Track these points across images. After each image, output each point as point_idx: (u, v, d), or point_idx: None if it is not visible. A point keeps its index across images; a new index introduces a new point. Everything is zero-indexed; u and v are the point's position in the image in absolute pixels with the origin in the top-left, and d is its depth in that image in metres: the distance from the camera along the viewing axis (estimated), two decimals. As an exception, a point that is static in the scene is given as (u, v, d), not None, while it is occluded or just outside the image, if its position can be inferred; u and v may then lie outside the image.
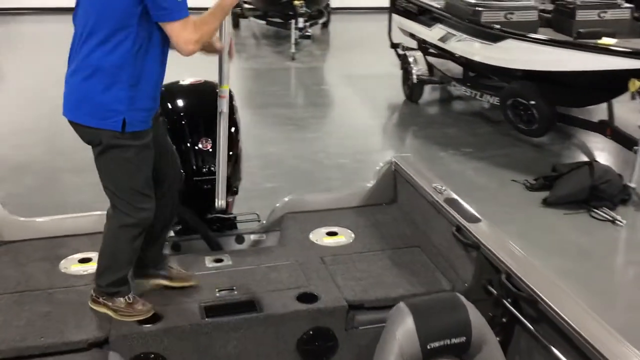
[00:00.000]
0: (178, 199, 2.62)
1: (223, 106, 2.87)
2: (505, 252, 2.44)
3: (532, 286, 2.21)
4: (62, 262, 2.76)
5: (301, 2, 9.18)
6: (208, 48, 2.61)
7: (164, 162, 2.48)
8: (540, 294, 2.17)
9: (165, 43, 2.27)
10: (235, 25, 11.03)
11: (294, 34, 9.26)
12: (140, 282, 2.54)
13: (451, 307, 2.09)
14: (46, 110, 5.82)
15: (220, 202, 2.97)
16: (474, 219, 2.69)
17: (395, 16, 7.74)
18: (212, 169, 3.02)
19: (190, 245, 3.06)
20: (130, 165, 2.28)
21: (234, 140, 3.09)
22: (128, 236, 2.35)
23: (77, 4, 2.27)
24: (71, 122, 2.30)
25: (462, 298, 2.14)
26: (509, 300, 2.34)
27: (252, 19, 10.68)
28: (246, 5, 10.75)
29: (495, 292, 2.44)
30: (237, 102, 3.26)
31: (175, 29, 2.17)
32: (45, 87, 5.95)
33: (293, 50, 9.24)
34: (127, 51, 2.17)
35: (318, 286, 2.60)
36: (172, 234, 3.12)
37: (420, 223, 3.09)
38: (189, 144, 3.07)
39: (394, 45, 7.67)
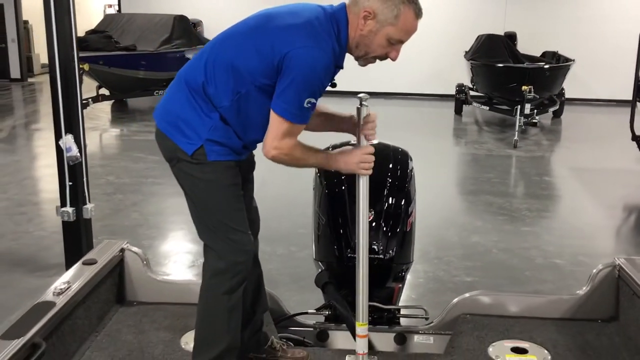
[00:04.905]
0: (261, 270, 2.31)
1: None
2: None
3: None
4: (186, 335, 2.42)
5: (530, 87, 8.65)
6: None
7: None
8: None
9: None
10: (458, 111, 10.84)
11: (519, 121, 8.73)
12: None
13: None
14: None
15: None
16: None
17: (640, 105, 6.97)
18: (374, 246, 2.47)
19: (337, 337, 2.52)
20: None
21: (402, 215, 2.52)
22: (221, 289, 2.01)
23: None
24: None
25: None
26: None
27: (475, 104, 10.37)
28: (471, 92, 10.56)
29: None
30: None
31: (275, 124, 1.97)
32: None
33: (516, 137, 8.62)
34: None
35: None
36: (322, 319, 2.64)
37: (652, 355, 2.22)
38: (347, 215, 2.53)
39: (637, 138, 6.88)
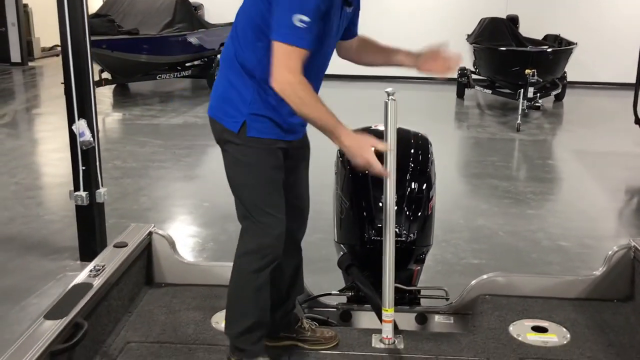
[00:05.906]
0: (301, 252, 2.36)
1: None
2: None
3: None
4: (216, 315, 2.49)
5: (533, 70, 8.65)
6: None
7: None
8: None
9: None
10: (460, 95, 10.85)
11: (522, 104, 8.74)
12: (272, 344, 2.24)
13: None
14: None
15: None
16: None
17: (643, 89, 6.94)
18: (397, 229, 2.53)
19: (360, 317, 2.59)
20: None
21: (423, 198, 2.58)
22: (249, 268, 2.07)
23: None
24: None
25: None
26: None
27: (477, 88, 10.38)
28: (473, 76, 10.56)
29: None
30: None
31: (278, 51, 1.88)
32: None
33: (519, 120, 8.64)
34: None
35: None
36: (344, 300, 2.70)
37: (668, 334, 2.29)
38: (371, 199, 2.59)
39: (640, 121, 6.87)
